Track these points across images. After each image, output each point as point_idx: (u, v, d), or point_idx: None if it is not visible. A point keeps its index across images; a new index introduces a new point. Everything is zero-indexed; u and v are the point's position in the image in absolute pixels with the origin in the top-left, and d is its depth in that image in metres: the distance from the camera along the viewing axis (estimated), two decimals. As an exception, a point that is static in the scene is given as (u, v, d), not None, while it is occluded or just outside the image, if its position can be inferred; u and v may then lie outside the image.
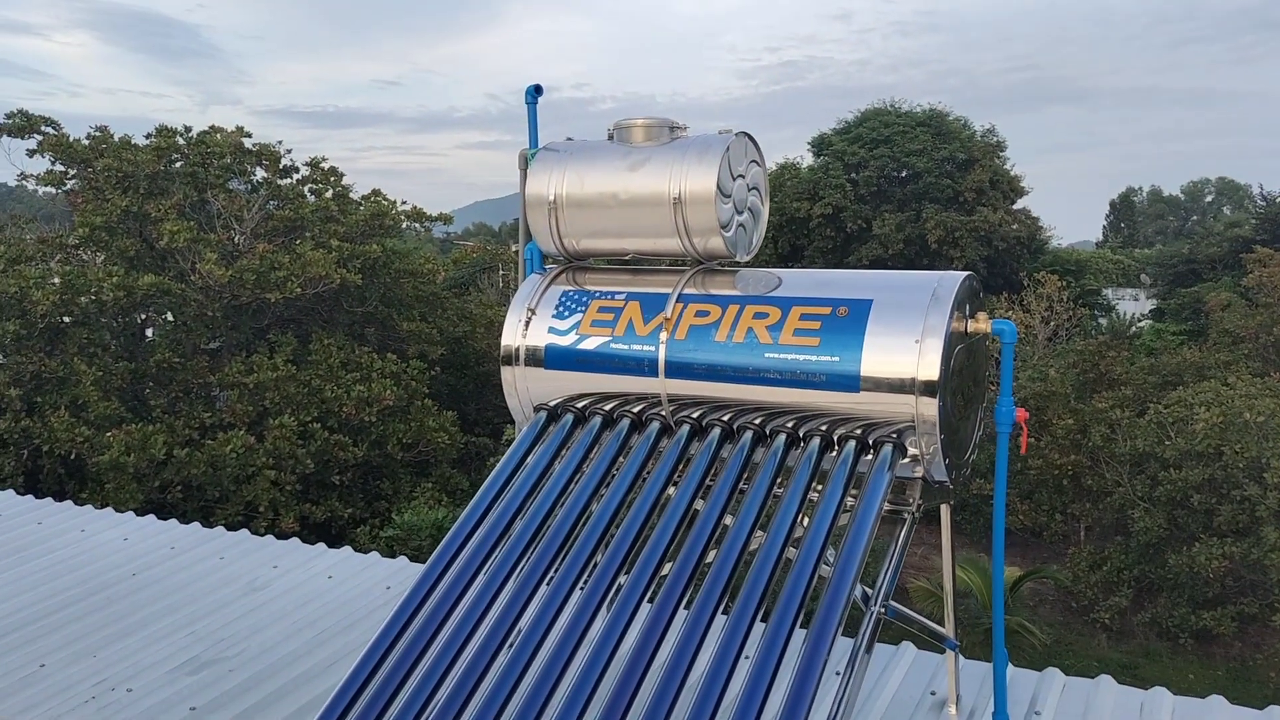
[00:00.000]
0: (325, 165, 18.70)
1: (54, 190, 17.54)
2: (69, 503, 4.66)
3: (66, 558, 3.97)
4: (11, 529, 4.34)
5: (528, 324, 2.77)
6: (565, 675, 2.07)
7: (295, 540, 4.12)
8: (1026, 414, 2.56)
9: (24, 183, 17.47)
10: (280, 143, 18.20)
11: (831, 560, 2.16)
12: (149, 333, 17.50)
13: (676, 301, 2.60)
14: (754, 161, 2.78)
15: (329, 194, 18.66)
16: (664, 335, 2.56)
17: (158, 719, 2.81)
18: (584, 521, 2.46)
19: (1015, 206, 34.66)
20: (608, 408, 2.71)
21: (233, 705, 2.87)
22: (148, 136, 17.41)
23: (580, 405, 2.75)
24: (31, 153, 16.77)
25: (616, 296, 2.70)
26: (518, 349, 2.76)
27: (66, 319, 15.39)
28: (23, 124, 16.65)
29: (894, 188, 33.67)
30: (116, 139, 17.10)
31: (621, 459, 2.61)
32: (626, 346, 2.61)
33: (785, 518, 2.27)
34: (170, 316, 16.66)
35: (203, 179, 17.15)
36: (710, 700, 1.93)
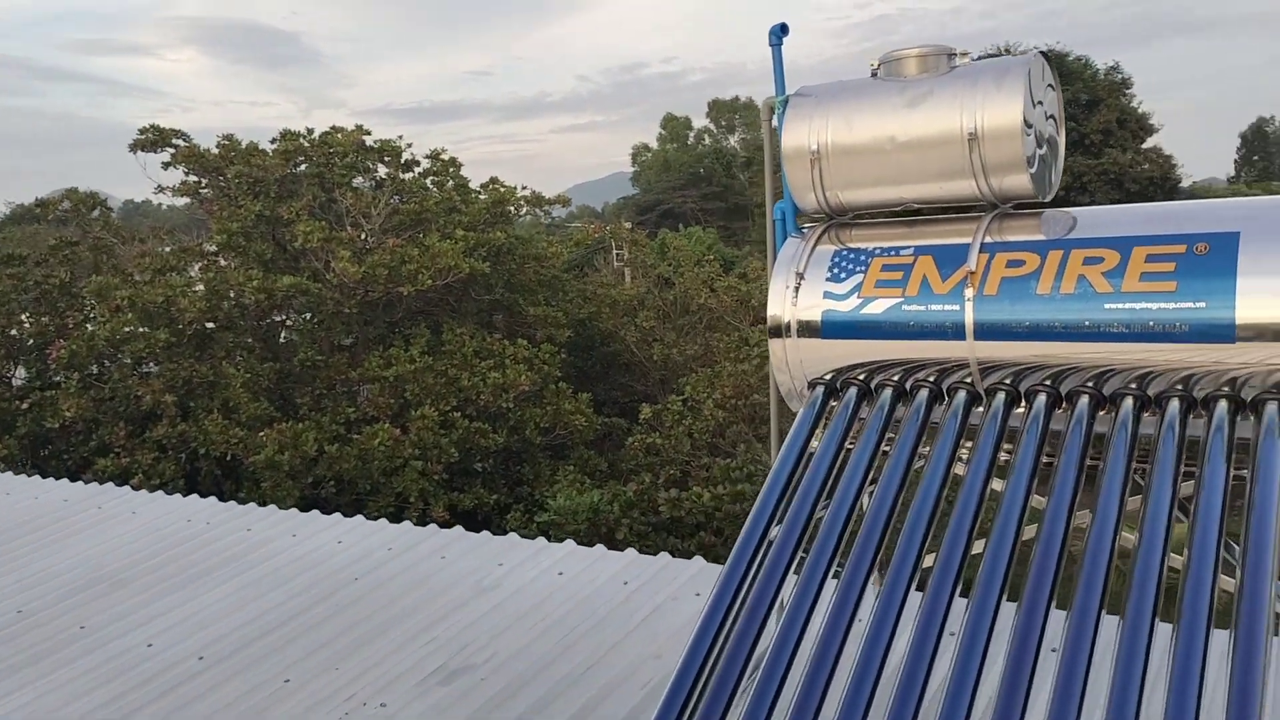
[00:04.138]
0: (445, 156, 18.79)
1: (186, 200, 18.07)
2: (273, 507, 4.59)
3: (284, 564, 3.86)
4: (220, 536, 4.27)
5: (797, 290, 2.47)
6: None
7: (514, 536, 3.94)
8: None
9: (161, 195, 18.08)
10: (400, 137, 18.36)
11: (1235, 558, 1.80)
12: (282, 334, 17.90)
13: (980, 252, 2.26)
14: (1050, 86, 2.42)
15: (449, 184, 18.76)
16: (969, 292, 2.23)
17: (420, 736, 2.65)
18: (896, 513, 2.16)
19: (1145, 146, 32.83)
20: (895, 378, 2.40)
21: (498, 717, 2.67)
22: (272, 141, 17.77)
23: (861, 377, 2.44)
24: (166, 165, 17.31)
25: (902, 252, 2.38)
26: (788, 320, 2.47)
27: (210, 324, 15.83)
28: (155, 138, 17.16)
29: (1015, 135, 32.27)
30: (243, 146, 17.50)
31: (926, 437, 2.30)
32: (923, 308, 2.29)
33: (1159, 508, 1.91)
34: (308, 316, 17.00)
35: (328, 179, 17.40)
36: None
